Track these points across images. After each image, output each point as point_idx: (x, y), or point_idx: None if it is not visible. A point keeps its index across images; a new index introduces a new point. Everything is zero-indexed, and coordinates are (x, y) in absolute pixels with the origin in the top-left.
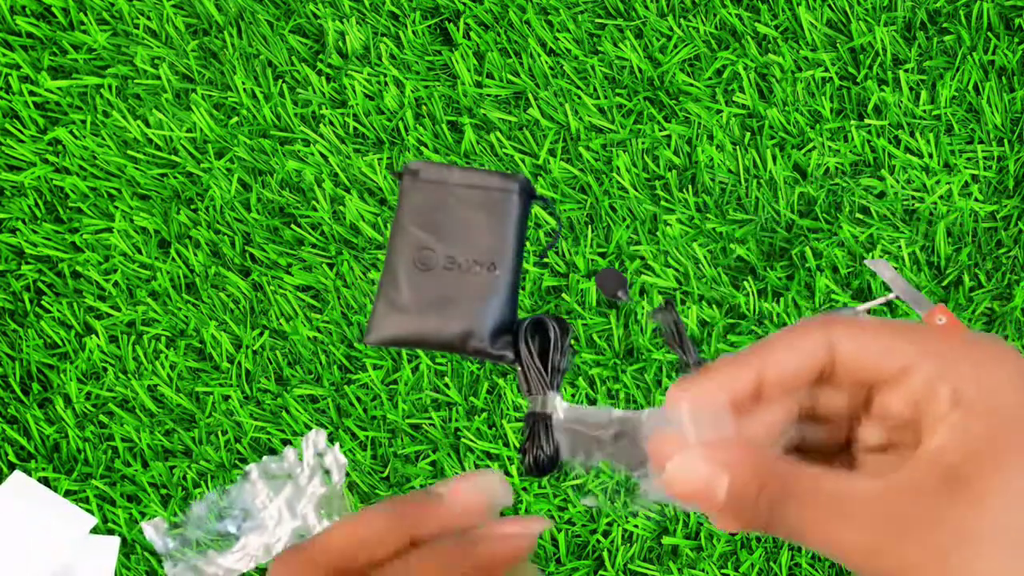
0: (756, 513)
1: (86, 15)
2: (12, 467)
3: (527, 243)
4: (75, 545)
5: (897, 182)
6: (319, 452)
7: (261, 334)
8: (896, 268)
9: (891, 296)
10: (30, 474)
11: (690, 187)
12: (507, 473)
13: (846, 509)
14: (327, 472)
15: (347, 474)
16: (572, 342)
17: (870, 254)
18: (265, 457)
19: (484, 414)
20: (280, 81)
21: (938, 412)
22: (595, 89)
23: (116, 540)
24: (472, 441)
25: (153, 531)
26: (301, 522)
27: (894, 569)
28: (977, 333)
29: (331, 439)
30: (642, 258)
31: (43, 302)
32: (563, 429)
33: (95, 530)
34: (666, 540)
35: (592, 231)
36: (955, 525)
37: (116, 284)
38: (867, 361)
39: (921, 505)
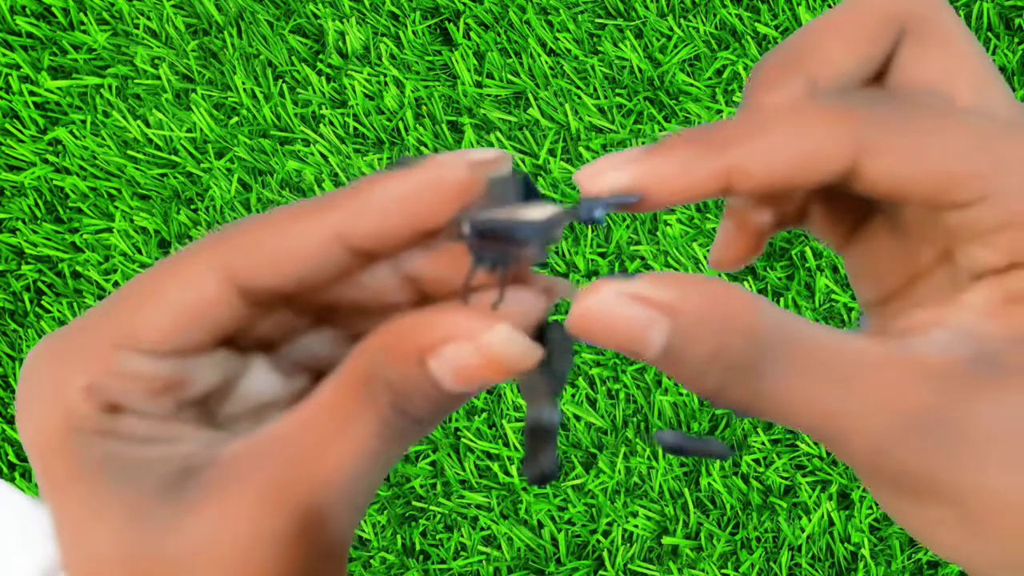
0: (702, 376)
1: (86, 15)
2: (12, 467)
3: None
4: (57, 557)
5: None
6: None
7: None
8: None
9: None
10: (30, 474)
11: None
12: (507, 474)
13: (859, 382)
14: None
15: None
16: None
17: None
18: None
19: (484, 414)
20: (280, 81)
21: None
22: (595, 89)
23: None
24: (472, 441)
25: None
26: None
27: (895, 474)
28: None
29: None
30: (642, 258)
31: (43, 302)
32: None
33: None
34: (666, 540)
35: (592, 231)
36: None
37: (116, 284)
38: (915, 186)
39: (938, 393)
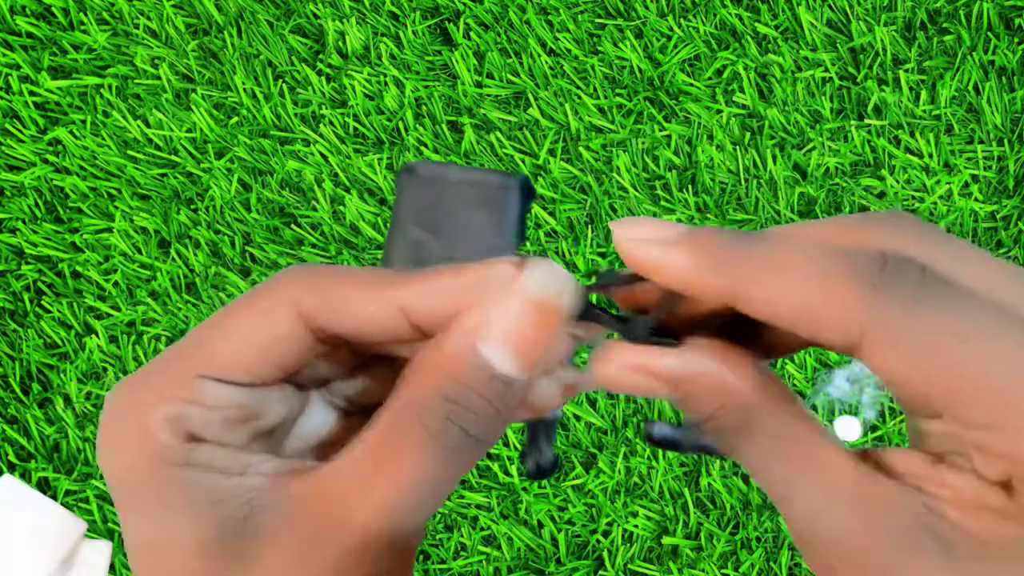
0: (699, 423)
1: (86, 15)
2: (12, 467)
3: (527, 243)
4: (68, 549)
5: (897, 182)
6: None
7: None
8: None
9: None
10: (30, 474)
11: (690, 187)
12: (507, 474)
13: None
14: None
15: None
16: None
17: None
18: None
19: None
20: (280, 81)
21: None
22: (595, 89)
23: (108, 544)
24: None
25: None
26: None
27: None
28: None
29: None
30: None
31: (43, 302)
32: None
33: (91, 531)
34: (666, 540)
35: (592, 231)
36: None
37: (116, 284)
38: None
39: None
